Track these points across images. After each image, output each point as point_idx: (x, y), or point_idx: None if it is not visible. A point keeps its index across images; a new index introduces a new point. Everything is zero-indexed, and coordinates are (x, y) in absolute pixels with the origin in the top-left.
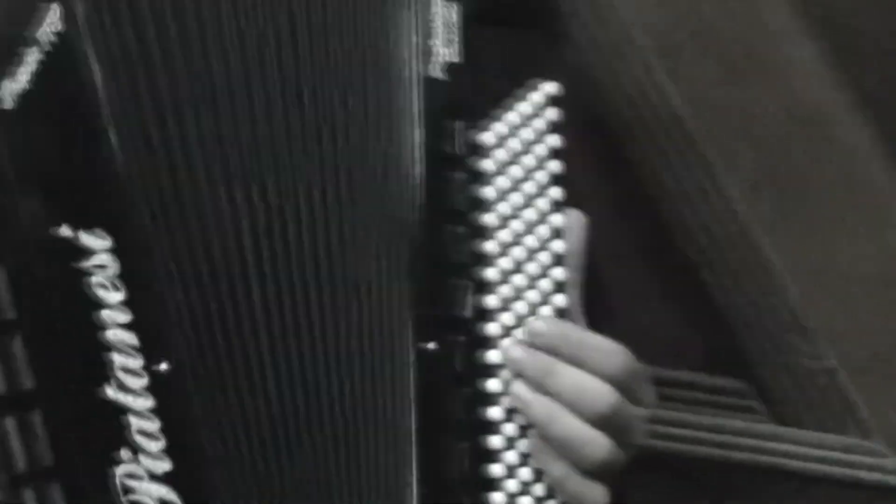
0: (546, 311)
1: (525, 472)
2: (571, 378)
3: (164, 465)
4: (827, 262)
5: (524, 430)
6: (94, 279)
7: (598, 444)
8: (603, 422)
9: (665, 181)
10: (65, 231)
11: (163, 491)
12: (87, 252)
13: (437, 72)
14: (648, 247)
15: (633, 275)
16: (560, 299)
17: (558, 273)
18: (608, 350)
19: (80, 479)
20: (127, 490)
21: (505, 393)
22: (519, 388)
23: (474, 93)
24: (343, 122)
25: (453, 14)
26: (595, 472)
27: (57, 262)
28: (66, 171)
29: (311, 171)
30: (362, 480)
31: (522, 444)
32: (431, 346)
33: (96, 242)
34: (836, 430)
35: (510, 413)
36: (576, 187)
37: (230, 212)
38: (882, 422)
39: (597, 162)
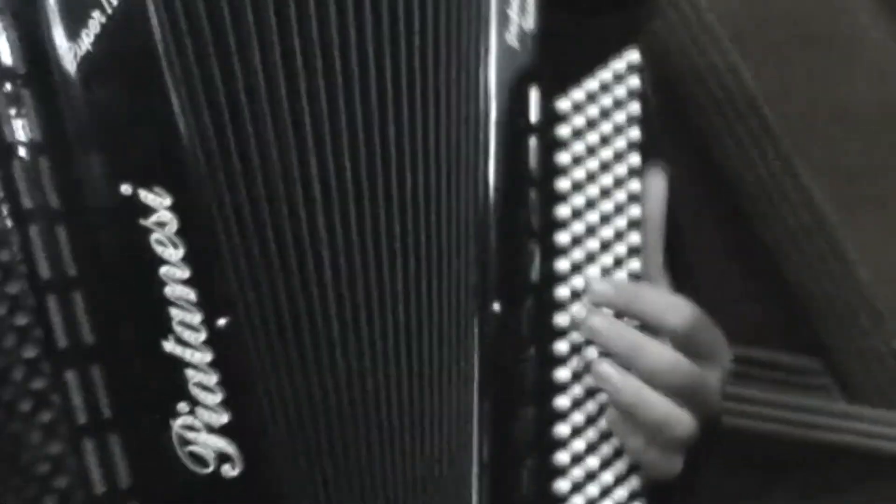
0: (621, 275)
1: (592, 433)
2: (627, 338)
3: (221, 418)
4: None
5: (591, 393)
6: (155, 236)
7: (683, 422)
8: (682, 393)
9: (740, 166)
10: (126, 189)
11: (221, 443)
12: (147, 209)
13: (513, 41)
14: (728, 227)
15: (715, 254)
16: (635, 264)
17: (634, 238)
18: (671, 304)
19: (138, 432)
20: (185, 442)
21: (573, 355)
22: (606, 368)
23: (553, 62)
24: (420, 87)
25: None
26: (660, 437)
27: (118, 220)
28: (127, 131)
29: (384, 135)
30: (424, 440)
31: (590, 406)
32: (497, 307)
33: (156, 200)
34: None
35: (577, 376)
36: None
37: (295, 171)
38: None
39: (677, 145)
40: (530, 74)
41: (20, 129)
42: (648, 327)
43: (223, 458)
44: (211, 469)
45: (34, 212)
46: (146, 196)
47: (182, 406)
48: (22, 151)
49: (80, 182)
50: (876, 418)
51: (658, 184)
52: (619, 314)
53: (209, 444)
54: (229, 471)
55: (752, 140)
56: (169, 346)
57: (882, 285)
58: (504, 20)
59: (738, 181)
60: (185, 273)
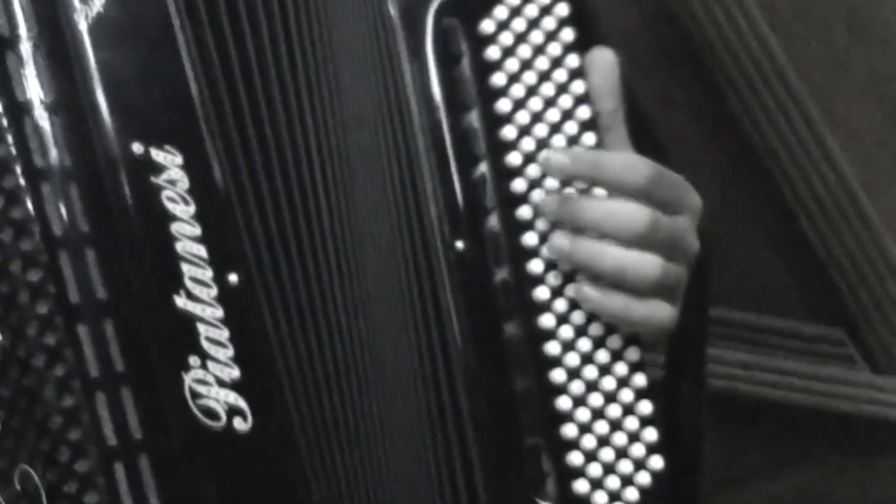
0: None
1: (584, 344)
2: (599, 207)
3: (232, 373)
4: None
5: (575, 305)
6: (166, 193)
7: (647, 263)
8: (644, 240)
9: (767, 131)
10: (137, 147)
11: (231, 397)
12: (159, 167)
13: None
14: (753, 194)
15: (738, 220)
16: (589, 137)
17: (583, 112)
18: (628, 163)
19: (149, 385)
20: (197, 395)
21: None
22: (555, 237)
23: None
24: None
25: None
26: (656, 292)
27: (130, 177)
28: (139, 91)
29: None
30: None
31: (576, 317)
32: (460, 245)
33: (167, 158)
34: None
35: (557, 291)
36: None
37: (302, 132)
38: None
39: (701, 113)
40: (446, 5)
41: (33, 89)
42: (611, 190)
43: (234, 411)
44: (222, 423)
45: (46, 170)
46: (157, 154)
47: (193, 360)
48: (35, 110)
49: (92, 141)
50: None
51: (603, 55)
52: (580, 182)
53: (220, 398)
54: (241, 424)
55: (778, 107)
56: (181, 301)
57: None
58: None
59: (765, 147)
60: (196, 230)
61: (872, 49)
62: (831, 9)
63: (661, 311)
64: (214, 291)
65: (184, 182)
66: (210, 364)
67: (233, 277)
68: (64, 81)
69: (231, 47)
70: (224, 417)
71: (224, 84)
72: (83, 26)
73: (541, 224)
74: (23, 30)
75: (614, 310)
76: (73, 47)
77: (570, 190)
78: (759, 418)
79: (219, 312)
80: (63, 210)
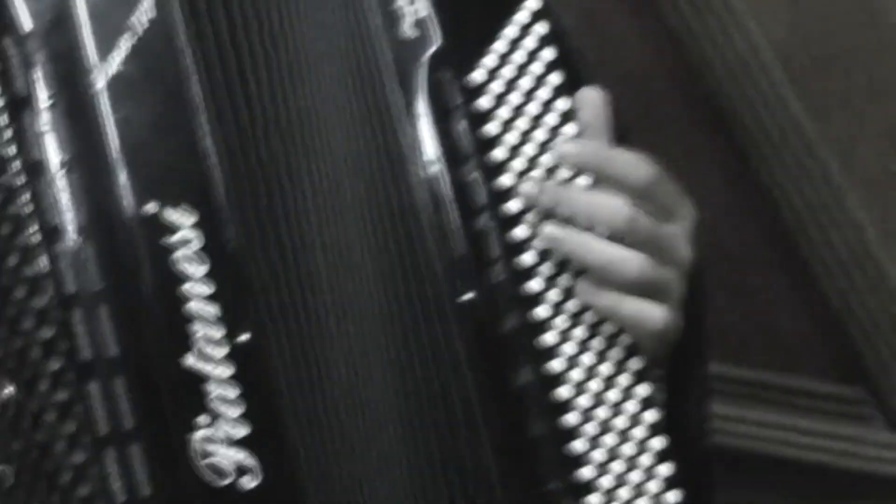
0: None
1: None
2: (583, 196)
3: (241, 431)
4: None
5: (576, 317)
6: (178, 253)
7: (628, 260)
8: (623, 234)
9: (787, 188)
10: (151, 207)
11: (240, 455)
12: (172, 227)
13: (408, 32)
14: (773, 249)
15: (763, 278)
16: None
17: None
18: (630, 161)
19: (159, 442)
20: (205, 453)
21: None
22: (547, 228)
23: (456, 38)
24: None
25: None
26: (643, 291)
27: (142, 237)
28: (154, 150)
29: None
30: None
31: (578, 332)
32: (469, 296)
33: (181, 218)
34: None
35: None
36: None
37: (315, 188)
38: None
39: (722, 165)
40: (437, 58)
41: (50, 148)
42: (614, 185)
43: (242, 469)
44: (230, 480)
45: (61, 228)
46: (171, 214)
47: (202, 419)
48: (51, 169)
49: (107, 199)
50: None
51: (591, 95)
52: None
53: (228, 456)
54: (248, 482)
55: (796, 163)
56: (191, 360)
57: None
58: (393, 14)
59: (786, 204)
60: (208, 289)
61: (892, 101)
62: (852, 62)
63: (650, 311)
64: (225, 350)
65: (197, 241)
66: (219, 422)
67: (244, 337)
68: (80, 140)
69: (245, 107)
70: (231, 475)
71: (238, 142)
72: (101, 85)
73: (544, 269)
74: (41, 90)
75: (604, 303)
76: (90, 106)
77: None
78: (780, 477)
79: (229, 371)
80: (77, 267)
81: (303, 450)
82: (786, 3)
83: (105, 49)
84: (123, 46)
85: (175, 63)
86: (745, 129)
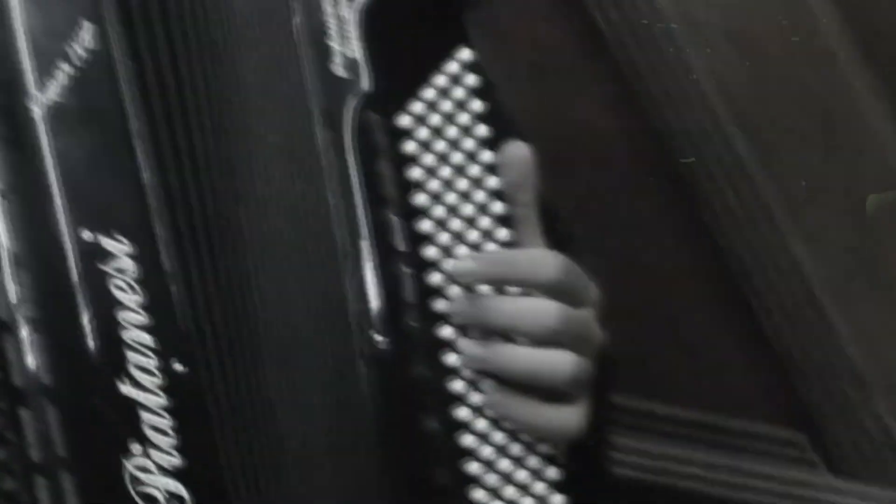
0: (491, 246)
1: (499, 437)
2: (510, 305)
3: (174, 461)
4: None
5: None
6: (114, 281)
7: (561, 361)
8: (556, 336)
9: (730, 233)
10: (87, 235)
11: (172, 485)
12: (108, 255)
13: (339, 70)
14: (717, 295)
15: (705, 321)
16: (502, 232)
17: (496, 207)
18: (538, 259)
19: (91, 470)
20: (137, 482)
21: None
22: (465, 344)
23: (385, 81)
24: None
25: (347, 11)
26: (566, 392)
27: (78, 262)
28: (93, 181)
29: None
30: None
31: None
32: (379, 339)
33: (117, 247)
34: (891, 486)
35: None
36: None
37: (251, 225)
38: None
39: (673, 216)
40: (366, 100)
41: None
42: (523, 286)
43: (174, 498)
44: None
45: None
46: (108, 243)
47: (135, 447)
48: None
49: (45, 227)
50: (863, 494)
51: (518, 152)
52: (494, 283)
53: (161, 485)
54: None
55: (742, 209)
56: (125, 388)
57: (871, 359)
58: (325, 52)
59: (728, 248)
60: (143, 319)
61: (846, 157)
62: (806, 119)
63: (569, 418)
64: (159, 380)
65: (133, 271)
66: (152, 451)
67: (178, 367)
68: (18, 168)
69: (183, 140)
70: None
71: (177, 176)
72: (38, 114)
73: (456, 318)
74: None
75: (519, 416)
76: (26, 134)
77: (481, 288)
78: None
79: (163, 401)
80: (9, 291)
81: (235, 482)
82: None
83: (44, 77)
84: (62, 75)
85: (115, 96)
86: (692, 174)
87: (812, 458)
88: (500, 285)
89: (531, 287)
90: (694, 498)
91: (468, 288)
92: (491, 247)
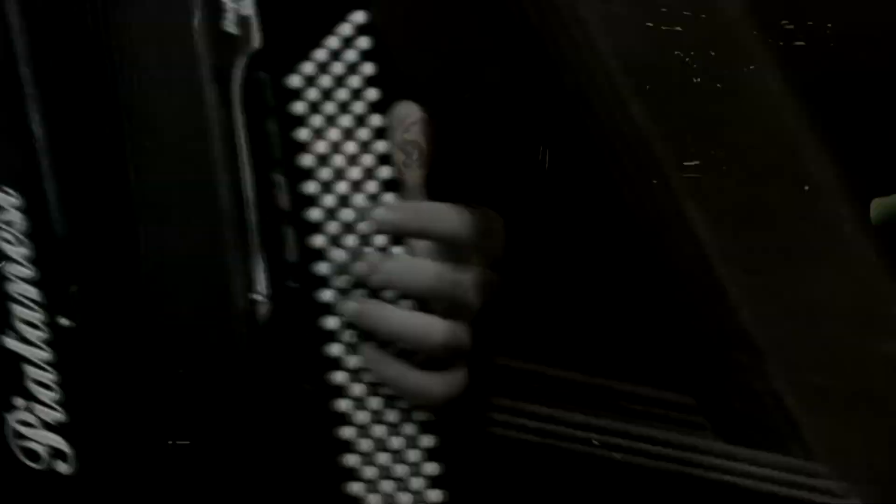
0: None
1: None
2: (390, 265)
3: (57, 416)
4: (788, 291)
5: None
6: (2, 234)
7: (433, 327)
8: (432, 295)
9: (627, 193)
10: None
11: (54, 440)
12: None
13: (231, 27)
14: (606, 251)
15: (592, 277)
16: (389, 196)
17: (384, 171)
18: (443, 211)
19: None
20: (20, 436)
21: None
22: (347, 303)
23: (278, 40)
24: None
25: None
26: (438, 357)
27: None
28: None
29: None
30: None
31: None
32: (262, 298)
33: (6, 199)
34: (780, 452)
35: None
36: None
37: (143, 177)
38: (829, 447)
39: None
40: (255, 58)
41: None
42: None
43: (57, 454)
44: (43, 464)
45: None
46: None
47: (18, 401)
48: None
49: None
50: (752, 458)
51: (410, 110)
52: (399, 234)
53: (43, 440)
54: (62, 468)
55: (634, 168)
56: (9, 341)
57: (761, 323)
58: (216, 8)
59: (621, 210)
60: (30, 272)
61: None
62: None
63: (435, 381)
64: (44, 335)
65: (21, 224)
66: (35, 406)
67: (65, 321)
68: None
69: (77, 94)
70: (45, 460)
71: (68, 127)
72: None
73: (338, 281)
74: None
75: (388, 374)
76: None
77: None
78: (604, 483)
79: (47, 355)
80: None
81: (119, 441)
82: None
83: None
84: None
85: (5, 44)
86: (587, 133)
87: (701, 422)
88: (399, 235)
89: (431, 239)
90: (578, 459)
91: (358, 245)
92: (378, 210)
